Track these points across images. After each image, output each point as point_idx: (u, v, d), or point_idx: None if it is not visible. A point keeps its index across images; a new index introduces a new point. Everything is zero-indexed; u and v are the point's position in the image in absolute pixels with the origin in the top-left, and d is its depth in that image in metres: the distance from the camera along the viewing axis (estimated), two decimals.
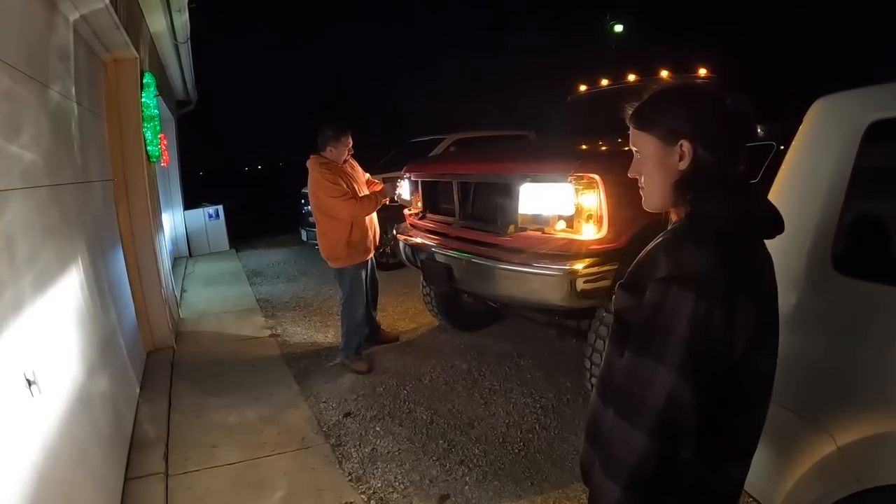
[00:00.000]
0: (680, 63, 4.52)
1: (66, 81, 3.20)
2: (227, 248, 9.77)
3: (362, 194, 4.14)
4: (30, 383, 1.92)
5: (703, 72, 4.19)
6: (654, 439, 1.00)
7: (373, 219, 4.30)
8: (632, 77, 4.77)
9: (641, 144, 1.17)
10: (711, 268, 0.99)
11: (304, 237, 8.18)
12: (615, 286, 1.21)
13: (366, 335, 4.46)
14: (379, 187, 4.29)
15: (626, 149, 1.22)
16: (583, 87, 5.19)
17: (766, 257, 1.11)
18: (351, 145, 4.13)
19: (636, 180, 1.23)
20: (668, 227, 1.18)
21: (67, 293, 2.67)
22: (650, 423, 1.00)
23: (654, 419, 0.99)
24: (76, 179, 3.23)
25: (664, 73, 4.48)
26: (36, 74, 2.57)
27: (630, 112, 1.19)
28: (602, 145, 3.73)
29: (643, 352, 1.04)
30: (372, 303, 4.63)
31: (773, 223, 1.12)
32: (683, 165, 1.11)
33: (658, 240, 1.13)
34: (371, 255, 4.33)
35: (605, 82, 5.00)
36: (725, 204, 1.09)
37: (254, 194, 15.92)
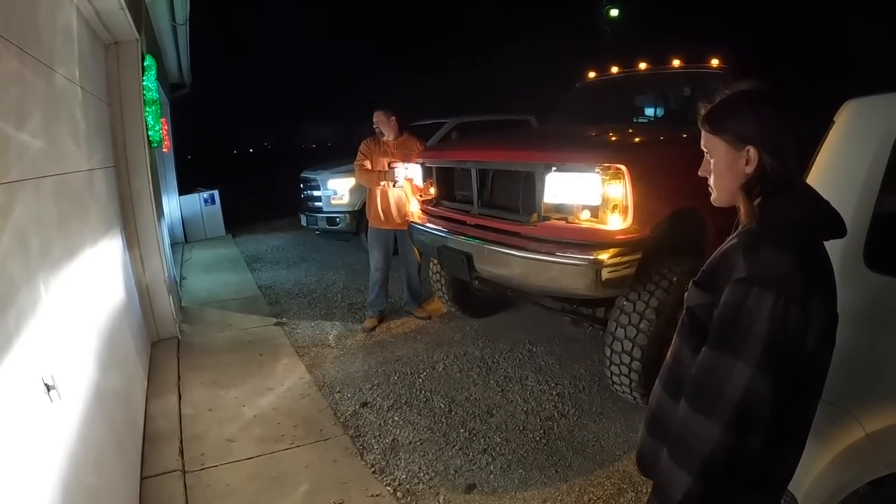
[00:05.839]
0: (683, 49, 4.47)
1: (71, 64, 3.09)
2: (224, 234, 9.62)
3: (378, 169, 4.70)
4: (48, 388, 1.81)
5: (714, 62, 4.12)
6: (729, 430, 1.07)
7: (387, 195, 4.71)
8: (643, 65, 4.70)
9: (712, 147, 1.24)
10: (789, 270, 1.05)
11: (303, 222, 8.06)
12: (688, 284, 1.26)
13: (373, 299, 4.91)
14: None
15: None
16: (592, 74, 5.12)
17: (829, 258, 1.17)
18: (375, 122, 4.70)
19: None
20: (739, 228, 1.22)
21: (78, 287, 2.58)
22: (726, 415, 1.06)
23: (731, 411, 1.06)
24: (83, 167, 3.13)
25: (675, 62, 4.42)
26: (42, 57, 2.46)
27: (702, 114, 1.24)
28: (627, 135, 3.68)
29: (723, 347, 1.10)
30: (406, 279, 5.05)
31: (838, 226, 1.18)
32: (749, 169, 1.18)
33: (732, 241, 1.17)
34: (382, 227, 4.78)
35: (615, 70, 4.92)
36: (796, 208, 1.16)
37: (246, 178, 15.71)
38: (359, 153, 4.77)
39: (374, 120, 4.71)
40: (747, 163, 1.17)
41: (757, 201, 1.18)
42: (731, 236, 1.24)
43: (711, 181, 1.27)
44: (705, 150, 1.26)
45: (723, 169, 1.22)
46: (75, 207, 2.87)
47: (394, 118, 4.70)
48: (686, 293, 1.26)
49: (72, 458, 1.90)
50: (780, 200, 1.15)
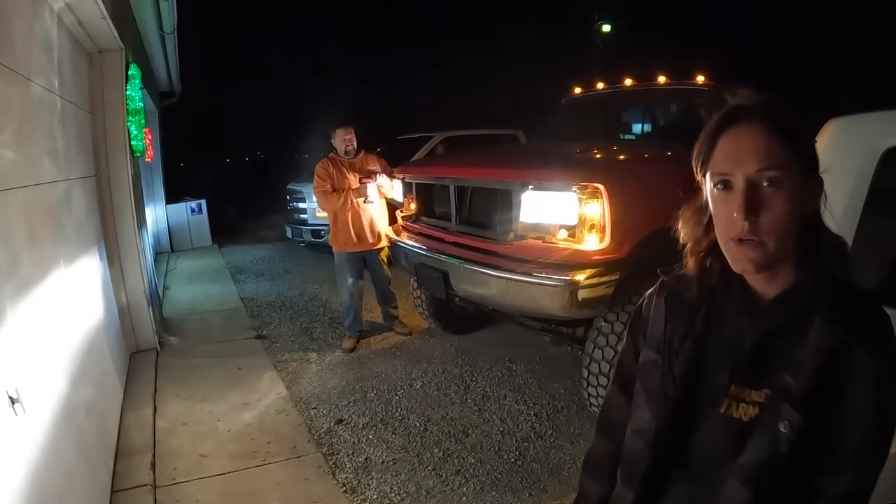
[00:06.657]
0: (675, 65, 4.48)
1: (50, 74, 3.08)
2: (210, 244, 9.57)
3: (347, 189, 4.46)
4: (13, 401, 1.80)
5: (700, 79, 4.15)
6: None
7: (360, 215, 4.50)
8: (628, 81, 4.72)
9: (784, 166, 0.82)
10: None
11: (289, 234, 8.05)
12: (778, 408, 0.87)
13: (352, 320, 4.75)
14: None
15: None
16: (578, 90, 5.14)
17: None
18: (349, 139, 4.48)
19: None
20: (776, 300, 0.90)
21: (50, 300, 2.55)
22: None
23: None
24: (59, 177, 3.11)
25: (661, 79, 4.44)
26: (18, 66, 2.45)
27: (765, 106, 0.85)
28: (607, 153, 3.68)
29: (872, 466, 0.85)
30: (380, 296, 4.95)
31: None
32: (811, 210, 0.87)
33: (820, 330, 0.84)
34: (355, 249, 4.59)
35: (601, 85, 4.95)
36: (837, 255, 0.92)
37: (237, 186, 15.62)
38: (316, 177, 4.48)
39: (346, 137, 4.48)
40: (805, 203, 0.86)
41: (813, 253, 0.89)
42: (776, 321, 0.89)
43: (765, 226, 0.83)
44: (766, 169, 0.82)
45: (797, 206, 0.84)
46: (49, 219, 2.84)
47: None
48: (784, 424, 0.85)
49: (36, 470, 1.88)
50: (828, 244, 0.90)
